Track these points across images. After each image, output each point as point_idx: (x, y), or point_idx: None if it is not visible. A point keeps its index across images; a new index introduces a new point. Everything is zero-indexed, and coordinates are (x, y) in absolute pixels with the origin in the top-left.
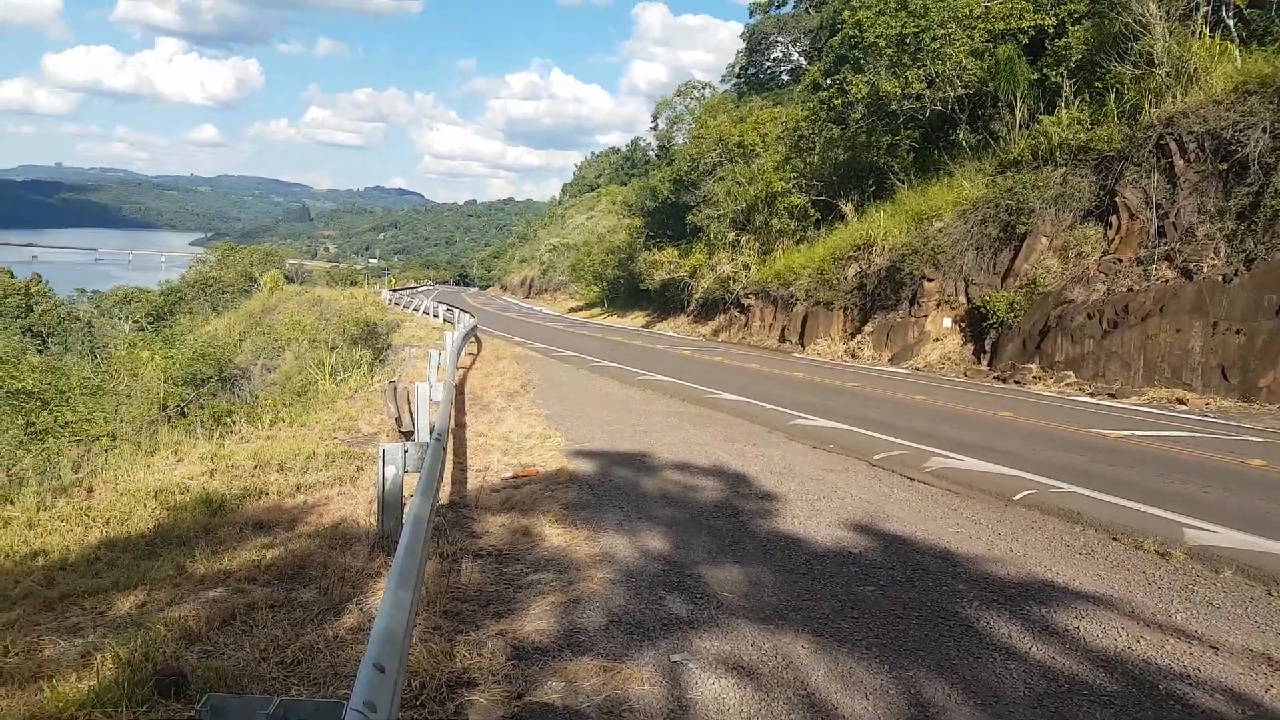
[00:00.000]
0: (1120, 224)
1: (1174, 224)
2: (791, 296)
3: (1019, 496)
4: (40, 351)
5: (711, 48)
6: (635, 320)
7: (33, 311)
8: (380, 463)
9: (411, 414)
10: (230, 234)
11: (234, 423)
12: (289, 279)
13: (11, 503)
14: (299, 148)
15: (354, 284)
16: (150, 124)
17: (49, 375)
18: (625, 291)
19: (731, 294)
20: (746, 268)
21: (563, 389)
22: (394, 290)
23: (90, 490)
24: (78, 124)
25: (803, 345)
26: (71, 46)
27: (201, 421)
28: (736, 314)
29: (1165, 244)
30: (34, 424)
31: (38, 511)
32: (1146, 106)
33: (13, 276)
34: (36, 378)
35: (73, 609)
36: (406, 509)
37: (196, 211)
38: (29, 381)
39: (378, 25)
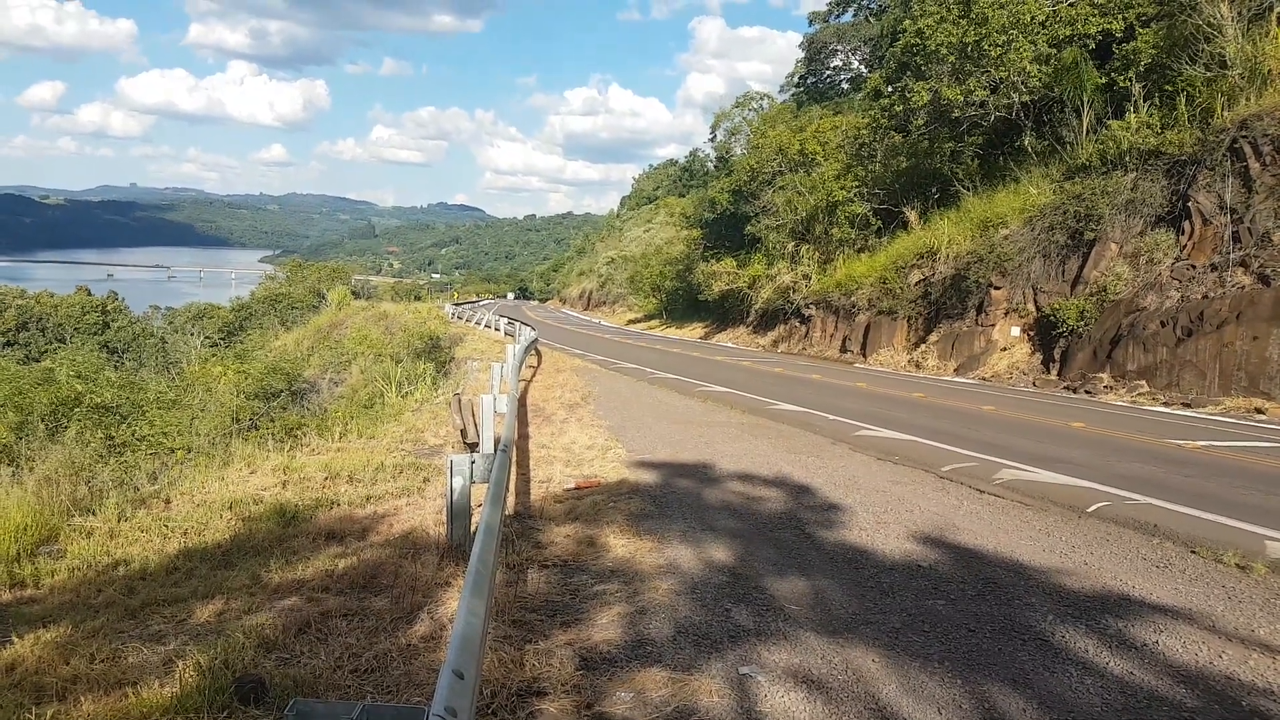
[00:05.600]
0: (1193, 229)
1: (1249, 229)
2: (853, 306)
3: (1092, 509)
4: (116, 367)
5: (769, 58)
6: (693, 332)
7: (109, 328)
8: (449, 474)
9: (476, 426)
10: (298, 251)
11: (304, 435)
12: (355, 294)
13: (93, 514)
14: (365, 166)
15: (418, 299)
16: (221, 145)
17: (126, 390)
18: (683, 303)
19: (791, 304)
20: (806, 278)
21: (623, 400)
22: (456, 304)
23: (168, 501)
24: (151, 145)
25: (865, 355)
26: (146, 71)
27: (273, 434)
28: (796, 324)
29: (1241, 249)
30: (113, 437)
31: (118, 522)
32: (1219, 109)
33: (90, 294)
34: (115, 392)
35: (154, 617)
36: (476, 519)
37: (266, 229)
38: (108, 396)
39: (440, 45)
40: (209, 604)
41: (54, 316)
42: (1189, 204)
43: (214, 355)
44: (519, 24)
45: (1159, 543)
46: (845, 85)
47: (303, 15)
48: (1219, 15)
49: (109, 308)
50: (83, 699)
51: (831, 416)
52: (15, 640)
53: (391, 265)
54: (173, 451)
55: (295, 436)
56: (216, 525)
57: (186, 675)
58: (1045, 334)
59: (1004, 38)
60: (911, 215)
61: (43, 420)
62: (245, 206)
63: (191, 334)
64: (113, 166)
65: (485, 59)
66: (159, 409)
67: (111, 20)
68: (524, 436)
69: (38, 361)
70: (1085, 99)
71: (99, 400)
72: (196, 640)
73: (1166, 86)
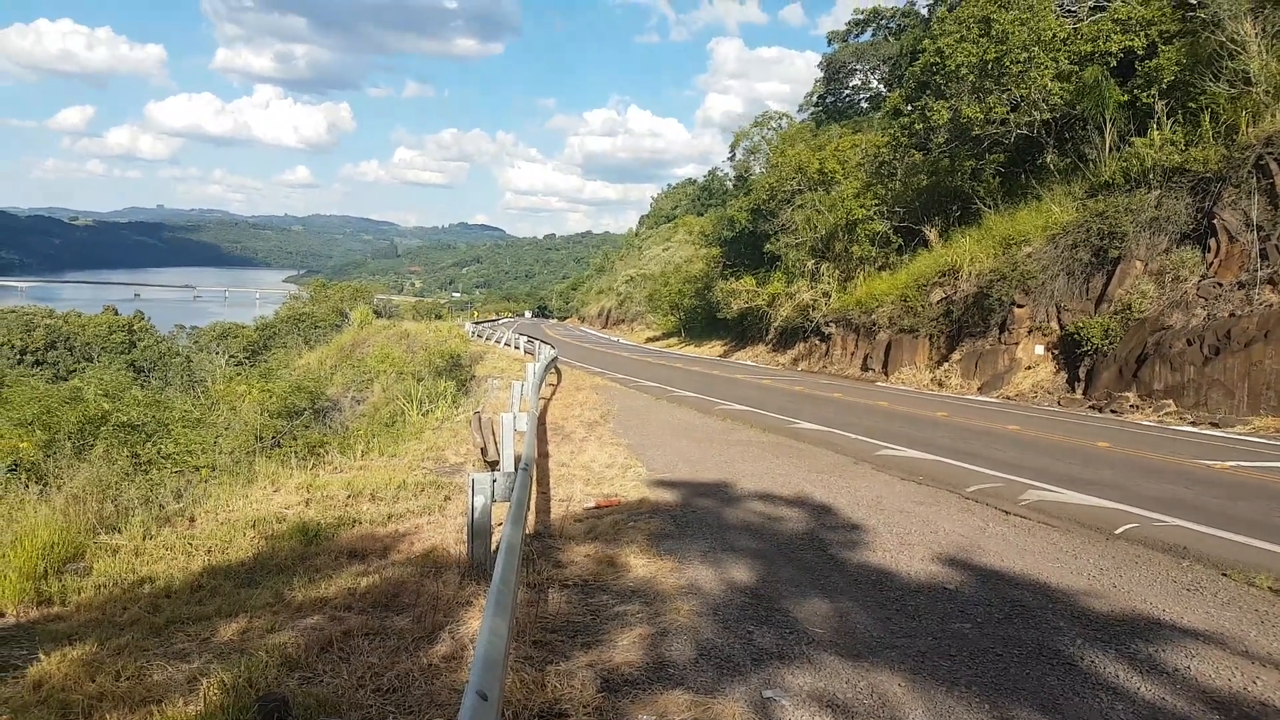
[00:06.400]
0: (1219, 247)
1: (1276, 246)
2: (874, 324)
3: (1120, 530)
4: (142, 385)
5: (787, 78)
6: (712, 350)
7: (136, 347)
8: (470, 492)
9: (497, 444)
10: (322, 271)
11: (327, 453)
12: (377, 313)
13: (119, 531)
14: (387, 187)
15: (438, 317)
16: (247, 167)
17: (152, 408)
18: (702, 321)
19: (811, 322)
20: (826, 295)
21: (642, 419)
22: (476, 323)
23: (192, 519)
24: (179, 168)
25: (886, 374)
26: (174, 95)
27: (296, 452)
28: (816, 342)
29: (1268, 266)
30: (138, 455)
31: (144, 540)
32: (1244, 126)
33: (117, 314)
34: (141, 411)
35: (178, 635)
36: (498, 538)
37: (290, 250)
38: (134, 414)
39: (462, 67)
40: (233, 622)
41: (81, 336)
42: (1214, 221)
43: (238, 374)
44: (540, 47)
45: (1189, 565)
46: (864, 104)
47: (327, 40)
48: (1242, 32)
49: (135, 327)
50: (108, 717)
51: (853, 435)
52: (42, 658)
53: (413, 284)
54: (197, 469)
55: (318, 454)
56: (240, 543)
57: (211, 693)
58: (1070, 352)
59: (1024, 55)
60: (932, 233)
61: (70, 438)
62: (270, 227)
63: (216, 353)
64: (140, 188)
65: (506, 82)
66: (184, 427)
67: (141, 45)
68: (544, 455)
69: (65, 380)
70: (1107, 116)
71: (125, 418)
72: (220, 658)
73: (1190, 103)
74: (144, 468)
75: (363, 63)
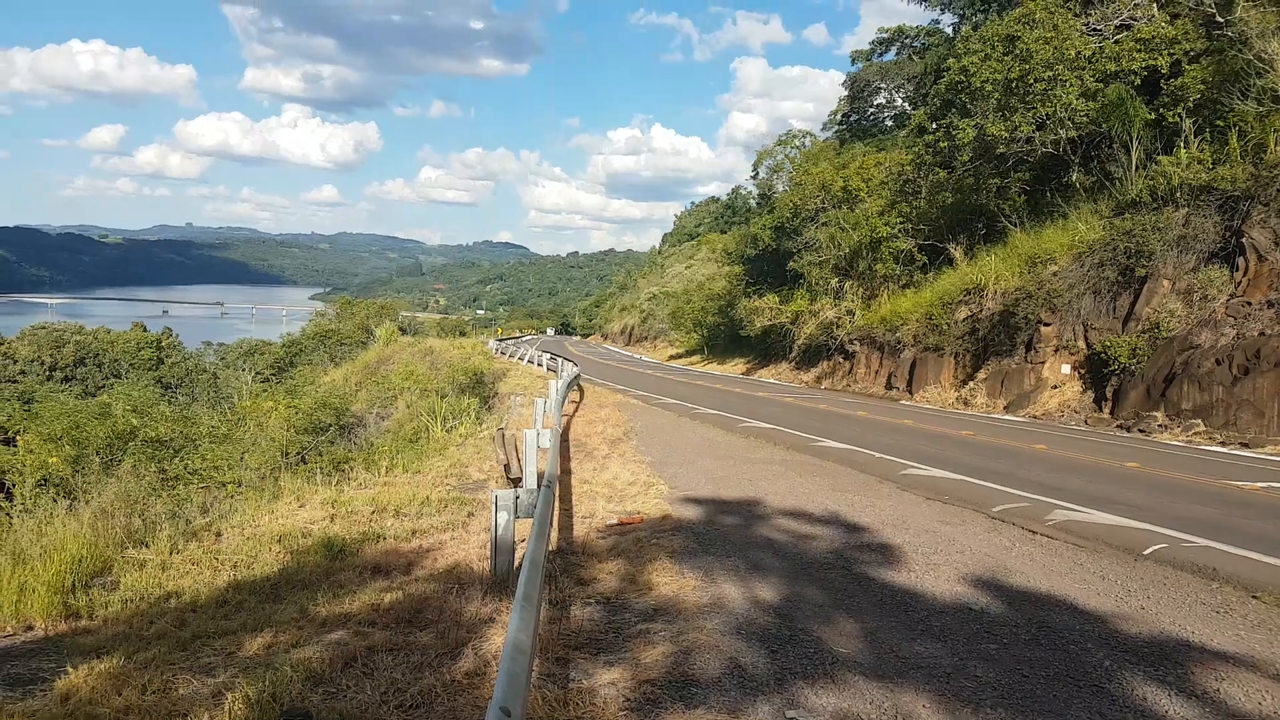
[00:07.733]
0: (1248, 265)
1: None
2: (898, 342)
3: (1149, 551)
4: (169, 401)
5: (810, 97)
6: (735, 367)
7: (163, 363)
8: (493, 509)
9: (520, 461)
10: (348, 288)
11: (351, 469)
12: (402, 330)
13: (146, 546)
14: (413, 206)
15: (463, 334)
16: (275, 185)
17: (179, 424)
18: (725, 339)
19: (835, 340)
20: (850, 313)
21: (665, 436)
22: (500, 340)
23: (219, 534)
24: (207, 186)
25: (911, 392)
26: (203, 114)
27: (321, 468)
28: (840, 360)
29: None
30: (165, 470)
31: (170, 554)
32: (1272, 144)
33: (146, 330)
34: (168, 426)
35: (204, 649)
36: (521, 554)
37: (317, 267)
38: (162, 430)
39: (488, 87)
40: (258, 637)
41: (110, 352)
42: (1243, 240)
43: (265, 390)
44: (564, 67)
45: (1218, 587)
46: (889, 123)
47: (355, 60)
48: (1270, 50)
49: (164, 344)
50: None
51: (878, 454)
52: (70, 671)
53: (438, 302)
54: (224, 485)
55: (343, 470)
56: (265, 558)
57: (235, 708)
58: (1096, 371)
59: (1049, 74)
60: (957, 251)
61: (98, 453)
62: (297, 245)
63: (243, 369)
64: (170, 206)
65: (531, 101)
66: (211, 443)
67: (171, 66)
68: (566, 472)
69: (94, 396)
70: (1134, 134)
71: (153, 434)
72: (245, 673)
73: (1218, 122)
74: (171, 483)
75: (390, 83)
